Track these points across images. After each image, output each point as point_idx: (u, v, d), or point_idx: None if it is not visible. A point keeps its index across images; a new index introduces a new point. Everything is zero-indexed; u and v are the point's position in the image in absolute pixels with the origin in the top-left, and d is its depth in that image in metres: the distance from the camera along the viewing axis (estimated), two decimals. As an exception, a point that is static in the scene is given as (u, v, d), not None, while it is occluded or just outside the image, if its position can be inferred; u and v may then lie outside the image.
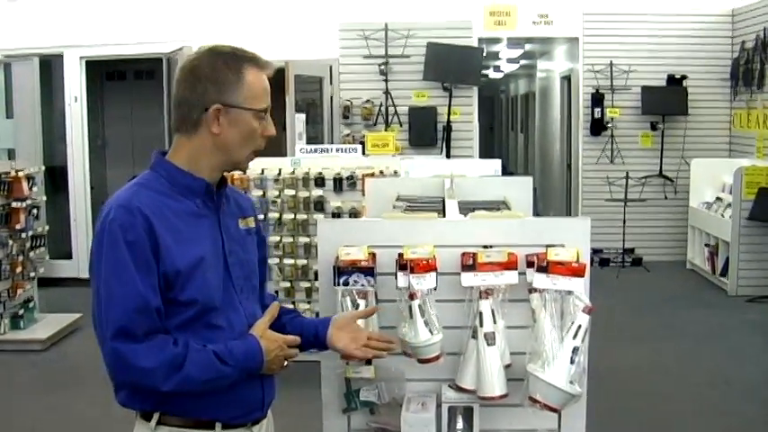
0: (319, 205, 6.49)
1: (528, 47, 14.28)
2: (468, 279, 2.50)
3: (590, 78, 10.79)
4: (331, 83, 10.55)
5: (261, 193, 6.48)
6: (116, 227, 2.11)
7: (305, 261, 6.52)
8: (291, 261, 6.53)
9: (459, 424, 2.60)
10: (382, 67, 10.51)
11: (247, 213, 2.46)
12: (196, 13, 10.19)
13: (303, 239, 6.50)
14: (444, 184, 3.89)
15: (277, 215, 6.49)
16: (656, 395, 6.06)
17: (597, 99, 10.78)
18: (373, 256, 2.58)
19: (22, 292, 7.58)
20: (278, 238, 6.50)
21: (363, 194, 5.29)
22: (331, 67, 10.52)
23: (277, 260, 6.52)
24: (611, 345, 6.86)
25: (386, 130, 10.26)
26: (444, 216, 3.11)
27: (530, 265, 2.51)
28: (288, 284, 6.55)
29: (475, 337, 2.50)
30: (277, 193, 6.49)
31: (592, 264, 2.79)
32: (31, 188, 7.59)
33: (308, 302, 6.54)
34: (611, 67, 10.71)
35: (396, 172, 6.30)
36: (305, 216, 6.49)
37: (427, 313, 2.49)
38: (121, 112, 11.70)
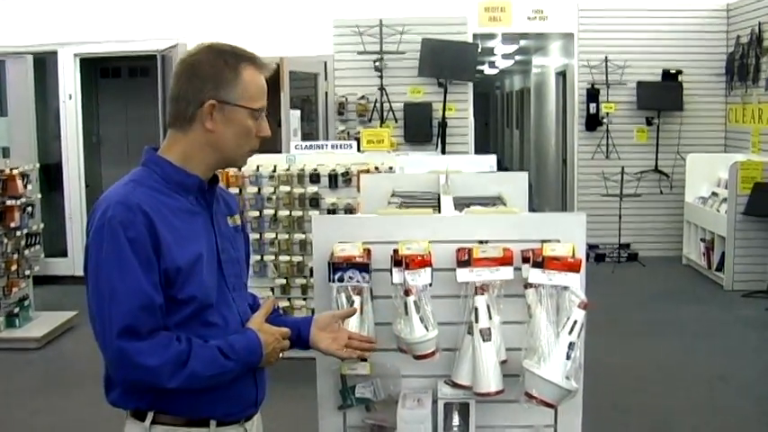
0: (314, 202, 6.48)
1: (523, 42, 14.29)
2: (464, 275, 2.50)
3: (585, 74, 10.79)
4: (326, 79, 10.54)
5: (256, 189, 6.46)
6: (116, 223, 2.09)
7: (300, 258, 6.51)
8: (287, 258, 6.52)
9: (455, 420, 2.60)
10: (377, 63, 10.50)
11: (234, 211, 2.46)
12: (190, 11, 10.17)
13: (298, 236, 6.49)
14: (439, 180, 3.89)
15: (272, 212, 6.48)
16: (652, 391, 6.06)
17: (592, 94, 10.78)
18: (368, 252, 2.57)
19: (17, 290, 7.57)
20: (273, 235, 6.49)
21: (358, 191, 5.30)
22: (326, 64, 10.51)
23: (272, 257, 6.52)
24: (606, 340, 6.86)
25: (381, 127, 10.24)
26: (439, 212, 3.11)
27: (525, 260, 2.51)
28: (283, 281, 6.54)
29: (470, 333, 2.50)
30: (272, 189, 6.48)
31: (587, 259, 2.78)
32: (25, 186, 7.57)
33: (304, 299, 6.53)
34: (606, 63, 10.71)
35: (391, 168, 6.29)
36: (300, 213, 6.48)
37: (422, 309, 2.49)
38: (116, 110, 11.69)
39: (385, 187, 3.97)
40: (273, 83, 8.68)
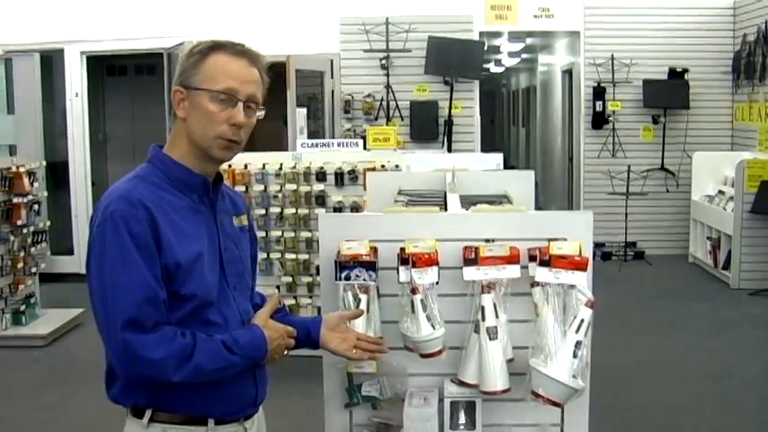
0: (321, 200, 6.48)
1: (529, 41, 14.28)
2: (471, 273, 2.50)
3: (591, 72, 10.78)
4: (332, 77, 10.54)
5: (262, 187, 6.47)
6: (118, 218, 2.09)
7: (306, 256, 6.52)
8: (293, 256, 6.52)
9: (462, 419, 2.60)
10: (383, 61, 10.49)
11: (241, 211, 2.45)
12: (197, 8, 10.18)
13: (305, 234, 6.49)
14: (446, 179, 3.88)
15: (278, 210, 6.48)
16: (659, 389, 6.06)
17: (598, 92, 10.77)
18: (375, 250, 2.57)
19: (23, 287, 7.59)
20: (279, 233, 6.50)
21: (365, 189, 5.30)
22: (332, 62, 10.51)
23: (278, 255, 6.52)
24: (613, 339, 6.85)
25: (387, 125, 10.24)
26: (446, 210, 3.10)
27: (532, 258, 2.51)
28: (289, 279, 6.54)
29: (477, 332, 2.49)
30: (278, 187, 6.48)
31: (594, 257, 2.78)
32: (32, 184, 7.58)
33: (310, 297, 6.53)
34: (613, 61, 10.69)
35: (397, 166, 6.29)
36: (306, 211, 6.48)
37: (429, 308, 2.48)
38: (122, 108, 11.71)
39: (391, 185, 3.96)
40: (280, 81, 8.69)
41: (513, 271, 2.49)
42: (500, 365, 2.47)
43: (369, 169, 6.12)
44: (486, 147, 12.29)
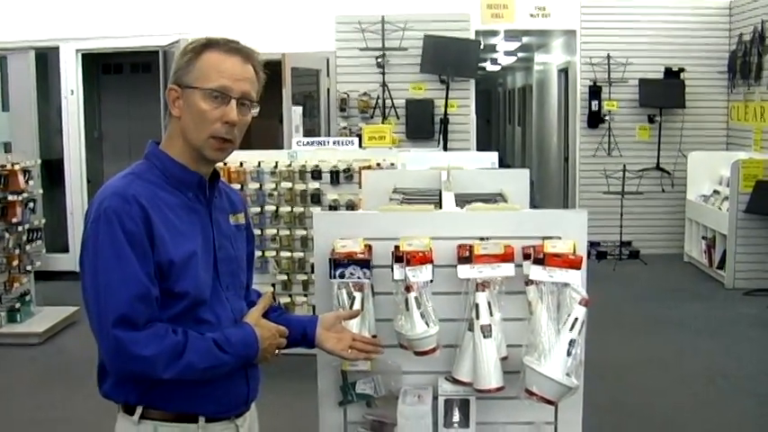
0: (316, 198, 6.49)
1: (525, 39, 14.26)
2: (465, 271, 2.50)
3: (587, 71, 10.79)
4: (328, 75, 10.54)
5: (258, 185, 6.47)
6: (112, 214, 2.08)
7: (302, 254, 6.52)
8: (288, 254, 6.52)
9: (456, 417, 2.60)
10: (379, 59, 10.49)
11: (238, 209, 2.45)
12: (193, 6, 10.17)
13: (300, 232, 6.49)
14: (441, 177, 3.88)
15: (274, 208, 6.48)
16: (653, 388, 6.06)
17: (594, 92, 10.78)
18: (369, 248, 2.57)
19: (18, 285, 7.58)
20: (275, 231, 6.50)
21: (360, 187, 5.29)
22: (328, 60, 10.50)
23: (274, 253, 6.52)
24: (607, 337, 6.86)
25: (383, 123, 10.25)
26: (441, 208, 3.10)
27: (526, 257, 2.51)
28: (285, 277, 6.54)
29: (471, 330, 2.49)
30: (274, 185, 6.48)
31: (589, 256, 2.78)
32: (27, 181, 7.57)
33: (305, 295, 6.54)
34: (609, 60, 10.71)
35: (392, 164, 6.29)
36: (302, 209, 6.48)
37: (423, 305, 2.48)
38: (118, 106, 11.71)
39: (386, 184, 3.96)
40: (275, 79, 8.69)
41: (507, 269, 2.49)
42: (494, 363, 2.47)
43: (364, 167, 6.12)
44: (482, 146, 12.29)
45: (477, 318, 2.47)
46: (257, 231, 6.37)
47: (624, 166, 10.48)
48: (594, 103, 10.79)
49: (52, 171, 10.05)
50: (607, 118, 10.82)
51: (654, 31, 10.65)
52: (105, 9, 10.17)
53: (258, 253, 6.42)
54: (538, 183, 15.31)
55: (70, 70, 10.05)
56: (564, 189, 12.66)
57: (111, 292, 2.07)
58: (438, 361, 2.57)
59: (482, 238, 2.55)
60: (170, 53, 9.40)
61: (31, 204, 7.70)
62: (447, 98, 10.43)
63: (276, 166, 6.50)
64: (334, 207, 6.40)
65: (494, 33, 12.50)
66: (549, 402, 2.42)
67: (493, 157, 5.30)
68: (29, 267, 7.74)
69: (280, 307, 2.64)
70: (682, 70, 10.65)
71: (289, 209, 6.48)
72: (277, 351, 2.33)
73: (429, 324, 2.48)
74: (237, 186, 6.31)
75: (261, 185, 6.48)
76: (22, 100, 9.93)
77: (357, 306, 2.52)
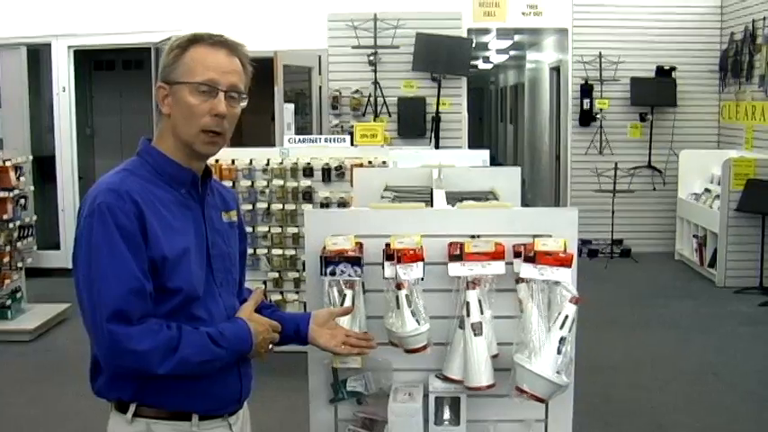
0: (308, 195, 6.48)
1: (517, 38, 14.28)
2: (456, 269, 2.51)
3: (579, 69, 10.81)
4: (320, 73, 10.53)
5: (249, 183, 6.46)
6: (105, 209, 2.08)
7: (293, 251, 6.51)
8: (280, 251, 6.51)
9: (446, 414, 2.61)
10: (371, 57, 10.49)
11: (231, 206, 2.44)
12: (185, 3, 10.14)
13: (291, 230, 6.49)
14: (432, 175, 3.89)
15: (265, 205, 6.47)
16: (644, 386, 6.08)
17: (586, 90, 10.80)
18: (360, 245, 2.58)
19: (9, 282, 7.56)
20: (266, 229, 6.49)
21: (352, 185, 5.29)
22: (320, 58, 10.50)
23: (265, 250, 6.52)
24: (598, 335, 6.88)
25: (374, 121, 10.25)
26: (432, 206, 3.11)
27: (517, 255, 2.52)
28: (276, 275, 6.54)
29: (462, 327, 2.50)
30: (265, 183, 6.48)
31: (580, 255, 2.79)
32: (18, 178, 7.55)
33: (297, 293, 6.53)
34: (601, 59, 10.72)
35: (384, 162, 6.29)
36: (293, 206, 6.47)
37: (414, 303, 2.49)
38: (110, 102, 11.68)
39: (378, 181, 3.97)
40: (267, 77, 8.69)
41: (497, 267, 2.50)
42: (485, 361, 2.48)
43: (356, 165, 6.11)
44: (474, 144, 12.30)
45: (468, 315, 2.48)
46: (249, 229, 6.37)
47: (616, 164, 10.50)
48: (586, 102, 10.80)
49: (44, 168, 10.02)
50: (599, 116, 10.83)
51: (645, 30, 10.66)
52: (97, 6, 10.14)
53: (250, 250, 6.41)
54: (529, 181, 15.33)
55: (62, 67, 10.02)
56: (555, 187, 12.67)
57: (105, 286, 2.06)
58: (429, 358, 2.58)
59: (473, 236, 2.56)
60: (162, 50, 9.34)
61: (23, 201, 7.68)
62: (439, 96, 10.43)
63: (268, 164, 6.49)
64: (325, 205, 6.40)
65: (486, 31, 12.51)
66: (540, 400, 2.43)
67: (484, 155, 5.32)
68: (20, 264, 7.72)
69: (272, 304, 2.64)
70: (673, 69, 10.67)
71: (280, 206, 6.47)
72: (270, 346, 2.33)
73: (420, 322, 2.48)
74: (229, 184, 6.30)
75: (252, 183, 6.47)
76: (14, 96, 9.89)
77: (348, 303, 2.53)
